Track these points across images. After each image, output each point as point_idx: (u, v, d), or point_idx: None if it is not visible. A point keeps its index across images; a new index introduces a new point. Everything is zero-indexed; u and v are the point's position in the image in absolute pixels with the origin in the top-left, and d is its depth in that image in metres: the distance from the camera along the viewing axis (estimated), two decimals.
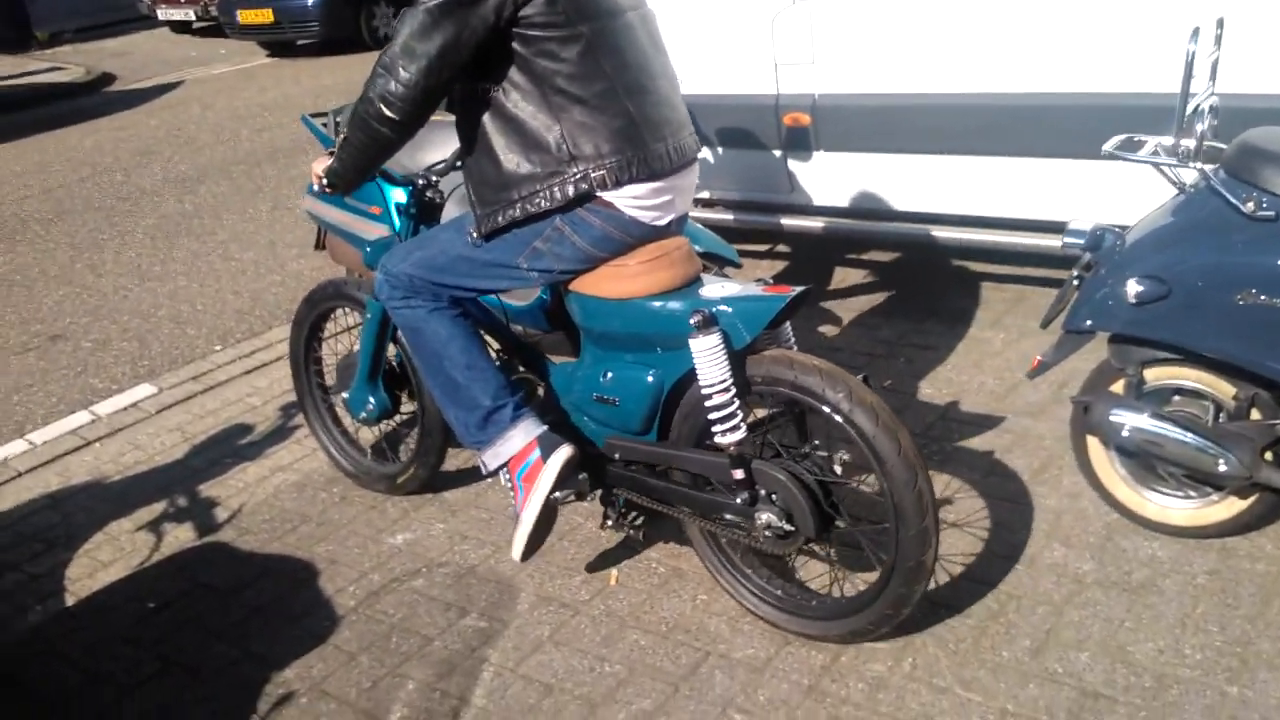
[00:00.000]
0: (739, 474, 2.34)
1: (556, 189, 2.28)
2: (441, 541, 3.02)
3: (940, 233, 3.82)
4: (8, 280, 5.74)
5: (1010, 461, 3.02)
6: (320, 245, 4.12)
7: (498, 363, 2.81)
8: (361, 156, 2.40)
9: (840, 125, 3.90)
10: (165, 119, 9.49)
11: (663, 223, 2.40)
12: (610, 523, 2.70)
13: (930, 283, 4.28)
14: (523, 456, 2.55)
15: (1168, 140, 2.47)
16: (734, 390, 2.29)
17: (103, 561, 3.12)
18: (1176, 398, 2.56)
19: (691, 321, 2.25)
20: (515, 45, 2.22)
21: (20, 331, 5.02)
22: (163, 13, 14.16)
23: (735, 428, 2.30)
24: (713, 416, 2.31)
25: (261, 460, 3.59)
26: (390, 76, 2.21)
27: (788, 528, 2.33)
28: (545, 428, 2.58)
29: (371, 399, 3.09)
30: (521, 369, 2.80)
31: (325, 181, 2.55)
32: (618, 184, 2.28)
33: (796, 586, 2.59)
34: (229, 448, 3.71)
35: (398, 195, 3.36)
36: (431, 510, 3.17)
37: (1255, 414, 2.44)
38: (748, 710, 2.29)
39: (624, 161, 2.27)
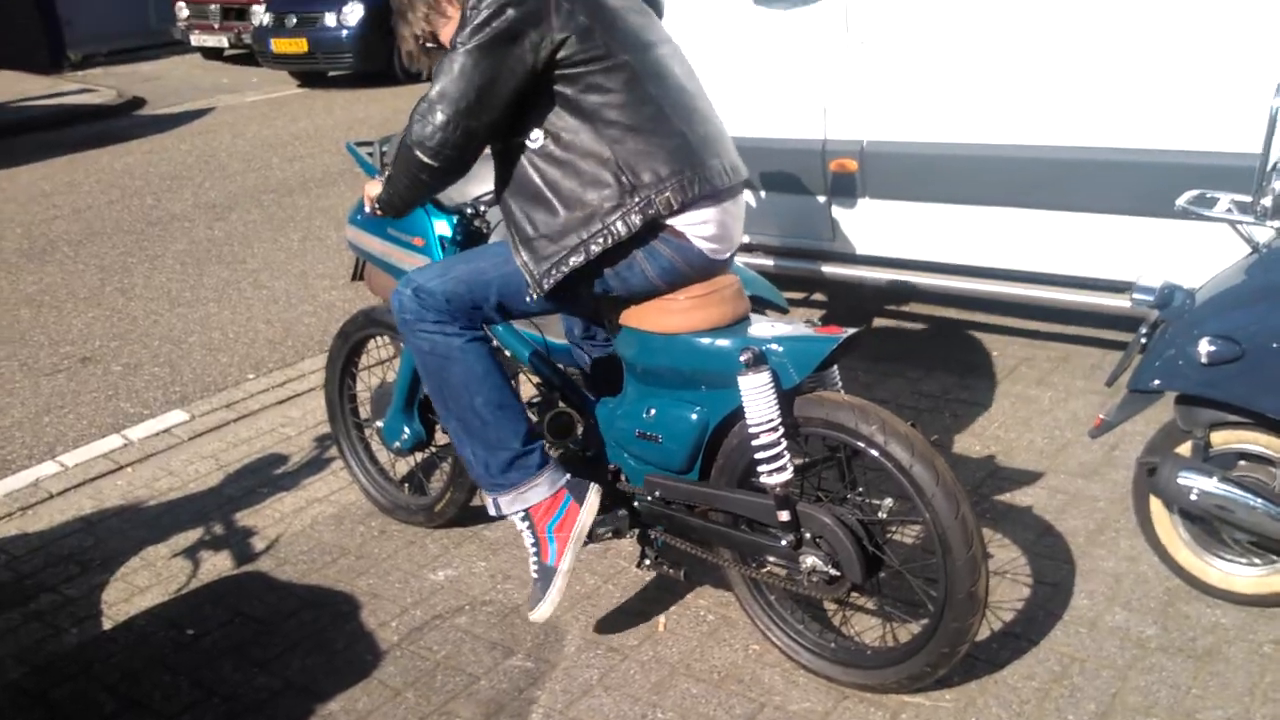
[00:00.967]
0: (784, 515, 2.30)
1: (620, 222, 2.24)
2: (484, 579, 2.98)
3: (988, 286, 3.80)
4: (37, 301, 5.74)
5: (1065, 522, 2.98)
6: (358, 276, 4.11)
7: (539, 397, 2.79)
8: (407, 194, 2.42)
9: (888, 173, 3.89)
10: (196, 144, 9.54)
11: (723, 257, 2.39)
12: (648, 562, 2.67)
13: (974, 337, 4.25)
14: (552, 507, 2.50)
15: (1243, 198, 2.45)
16: (781, 430, 2.27)
17: (139, 586, 3.08)
18: (1242, 462, 2.53)
19: (741, 359, 2.23)
20: (559, 87, 2.23)
21: (50, 353, 5.01)
22: (196, 39, 14.30)
23: (782, 468, 2.27)
24: (759, 456, 2.28)
25: (297, 491, 3.55)
26: (427, 122, 2.23)
27: (834, 572, 2.29)
28: (569, 475, 2.53)
29: (407, 428, 3.07)
30: (561, 404, 2.77)
31: (378, 208, 2.53)
32: (683, 206, 2.26)
33: (846, 637, 2.55)
34: (264, 477, 3.67)
35: (441, 227, 3.36)
36: (472, 548, 3.13)
37: None
38: None
39: (684, 181, 2.25)
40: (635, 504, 2.61)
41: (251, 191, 7.76)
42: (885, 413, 2.23)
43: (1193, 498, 2.46)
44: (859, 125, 3.88)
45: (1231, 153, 3.09)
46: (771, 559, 2.40)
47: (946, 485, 2.16)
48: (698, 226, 2.30)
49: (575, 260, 2.28)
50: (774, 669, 2.52)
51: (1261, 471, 2.50)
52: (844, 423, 2.23)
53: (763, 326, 2.36)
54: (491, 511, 2.55)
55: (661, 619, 2.74)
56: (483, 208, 2.89)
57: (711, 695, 2.46)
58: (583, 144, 2.24)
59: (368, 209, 2.61)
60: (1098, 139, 3.37)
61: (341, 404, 3.37)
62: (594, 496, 2.50)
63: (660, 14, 3.36)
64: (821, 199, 4.08)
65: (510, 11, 2.15)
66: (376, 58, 12.01)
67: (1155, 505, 2.64)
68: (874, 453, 2.21)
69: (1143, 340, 2.56)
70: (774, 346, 2.27)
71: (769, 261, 4.30)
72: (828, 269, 4.17)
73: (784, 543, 2.33)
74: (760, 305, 3.23)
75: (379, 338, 3.27)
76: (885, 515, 2.30)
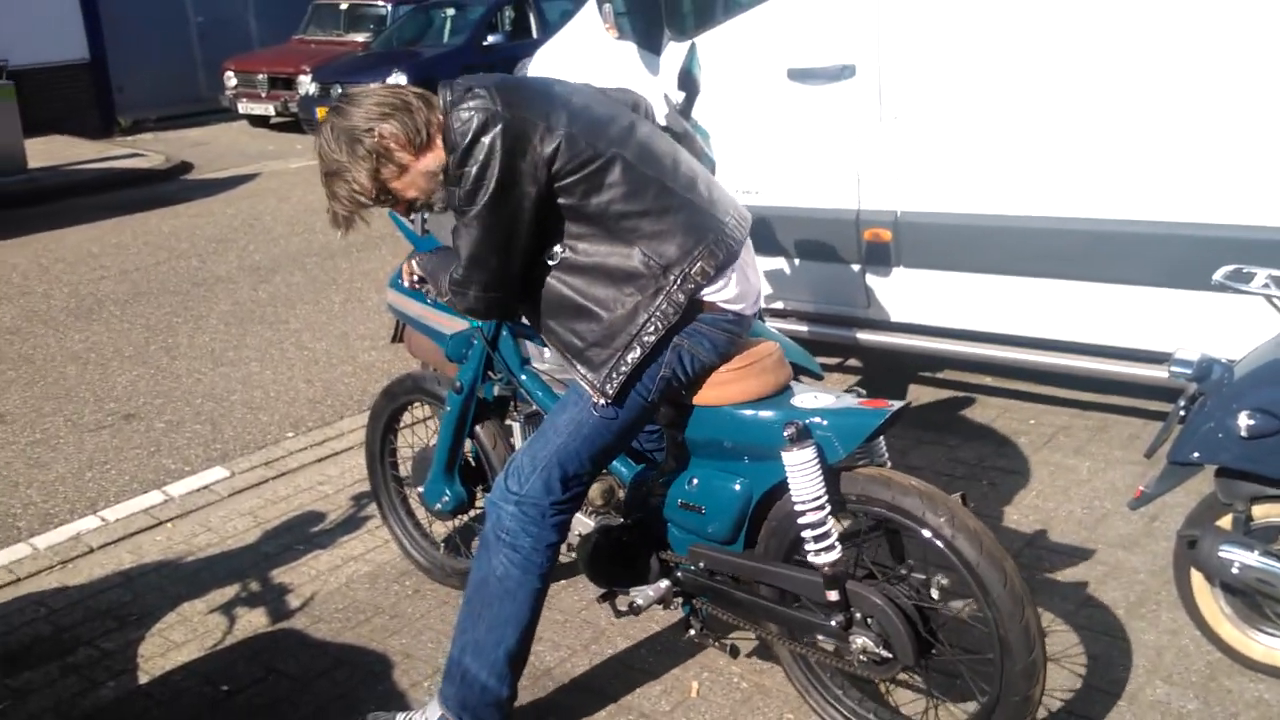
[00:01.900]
0: (833, 595, 2.25)
1: (665, 304, 2.24)
2: None
3: (1024, 356, 3.80)
4: (83, 358, 5.85)
5: (1105, 594, 2.95)
6: (397, 338, 4.18)
7: None
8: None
9: (922, 242, 3.92)
10: (241, 208, 9.75)
11: (750, 311, 2.41)
12: (693, 633, 2.63)
13: (1009, 406, 4.24)
14: None
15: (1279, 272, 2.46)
16: (829, 508, 2.22)
17: (175, 642, 3.10)
18: None
19: (785, 434, 2.19)
20: (562, 200, 2.23)
21: (95, 409, 5.09)
22: (243, 107, 14.64)
23: (830, 547, 2.22)
24: (806, 534, 2.23)
25: (334, 549, 3.58)
26: (467, 295, 2.29)
27: (885, 654, 2.23)
28: None
29: (448, 491, 3.06)
30: (604, 471, 2.71)
31: (416, 281, 2.58)
32: (718, 270, 2.27)
33: (895, 714, 2.49)
34: (301, 534, 3.70)
35: None
36: None
37: None
38: None
39: (710, 246, 2.27)
40: (679, 573, 2.55)
41: (295, 255, 7.91)
42: (954, 502, 2.18)
43: (1234, 571, 2.43)
44: (893, 196, 3.93)
45: (1270, 227, 3.11)
46: (820, 637, 2.34)
47: (1013, 588, 2.10)
48: (724, 291, 2.32)
49: (631, 357, 2.27)
50: None
51: None
52: (910, 510, 2.18)
53: (806, 397, 2.31)
54: (429, 717, 2.48)
55: (694, 684, 2.72)
56: None
57: None
58: (602, 245, 2.25)
59: (405, 283, 2.62)
60: (1134, 211, 3.39)
61: (382, 459, 3.39)
62: None
63: (697, 92, 3.45)
64: (856, 267, 4.12)
65: (499, 156, 2.15)
66: None
67: (1196, 578, 2.61)
68: (939, 544, 2.15)
69: (1181, 412, 2.55)
70: (818, 420, 2.22)
71: (804, 327, 4.33)
72: (863, 336, 4.19)
73: (834, 622, 2.27)
74: (795, 371, 3.26)
75: (422, 404, 3.28)
76: (938, 595, 2.23)
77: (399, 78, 12.20)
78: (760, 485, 2.34)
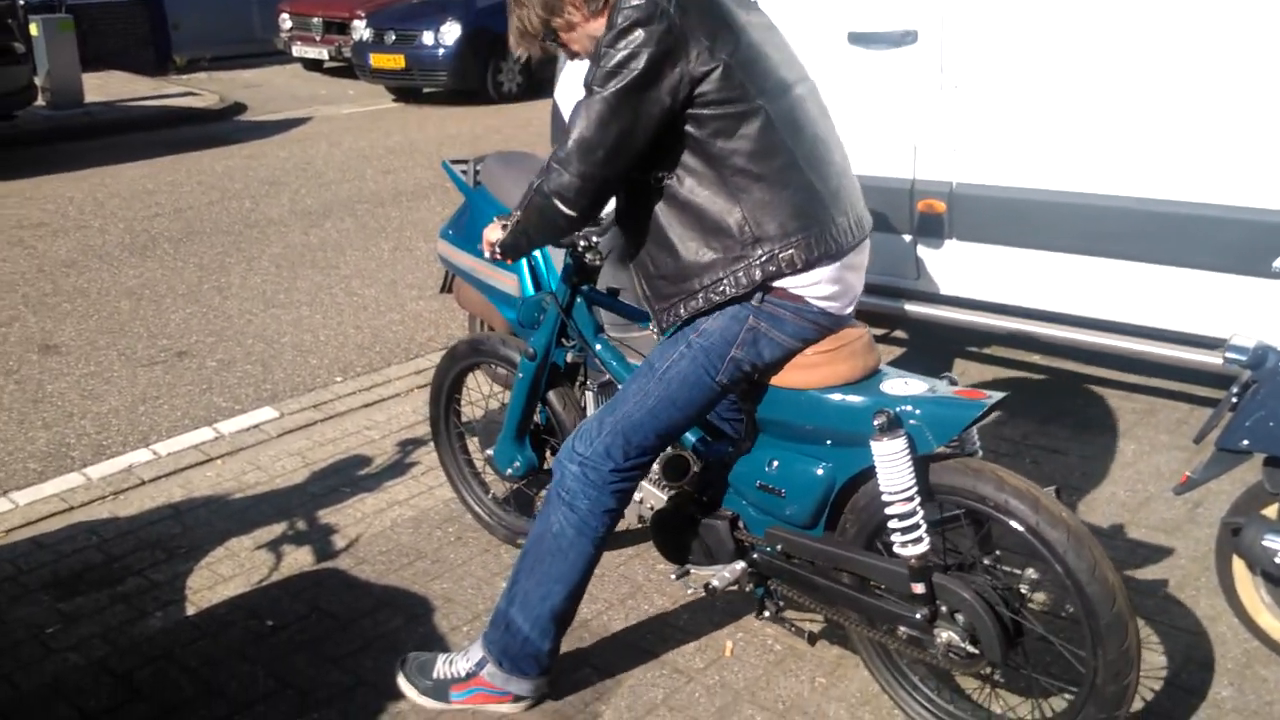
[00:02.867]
0: (919, 588, 2.18)
1: (742, 274, 2.18)
2: None
3: (1073, 335, 3.77)
4: (137, 293, 5.94)
5: (1144, 578, 2.94)
6: (446, 288, 4.22)
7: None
8: (538, 239, 2.40)
9: (977, 216, 3.88)
10: (294, 152, 9.82)
11: (847, 311, 2.32)
12: (767, 614, 2.59)
13: (1055, 384, 4.22)
14: (507, 701, 2.51)
15: None
16: (918, 499, 2.15)
17: (223, 576, 3.18)
18: None
19: (875, 423, 2.12)
20: (689, 128, 2.15)
21: (148, 345, 5.18)
22: (297, 50, 14.70)
23: (918, 539, 2.16)
24: (893, 525, 2.17)
25: (379, 493, 3.64)
26: (566, 171, 2.18)
27: (971, 650, 2.18)
28: (544, 692, 2.54)
29: (519, 457, 3.04)
30: (676, 445, 2.64)
31: (499, 252, 2.51)
32: (806, 265, 2.17)
33: (984, 709, 2.43)
34: (347, 477, 3.77)
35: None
36: None
37: None
38: None
39: (811, 239, 2.17)
40: (755, 555, 2.51)
41: (346, 201, 7.97)
42: (1047, 497, 2.10)
43: (1277, 560, 2.42)
44: (949, 167, 3.89)
45: None
46: (903, 629, 2.28)
47: (1103, 577, 2.05)
48: (817, 286, 2.22)
49: (692, 306, 2.25)
50: (840, 703, 2.53)
51: None
52: (1004, 504, 2.11)
53: (897, 384, 2.24)
54: (466, 659, 2.55)
55: (729, 644, 2.76)
56: (595, 239, 2.81)
57: None
58: (707, 189, 2.18)
59: (487, 254, 2.57)
60: (1195, 194, 3.34)
61: (447, 415, 3.36)
62: (520, 707, 2.52)
63: None
64: (907, 238, 4.09)
65: (649, 50, 2.07)
66: (470, 77, 12.26)
67: (1238, 566, 2.61)
68: (1034, 540, 2.09)
69: (1234, 399, 2.53)
70: (910, 409, 2.16)
71: None
72: (910, 307, 4.16)
73: (918, 615, 2.21)
74: None
75: (489, 366, 3.26)
76: (1027, 589, 2.19)
77: (453, 26, 12.18)
78: (845, 471, 2.29)
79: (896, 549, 2.19)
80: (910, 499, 2.15)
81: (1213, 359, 3.29)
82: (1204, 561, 2.95)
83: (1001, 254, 3.87)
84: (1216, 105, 3.27)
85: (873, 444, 2.14)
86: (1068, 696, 2.20)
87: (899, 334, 4.81)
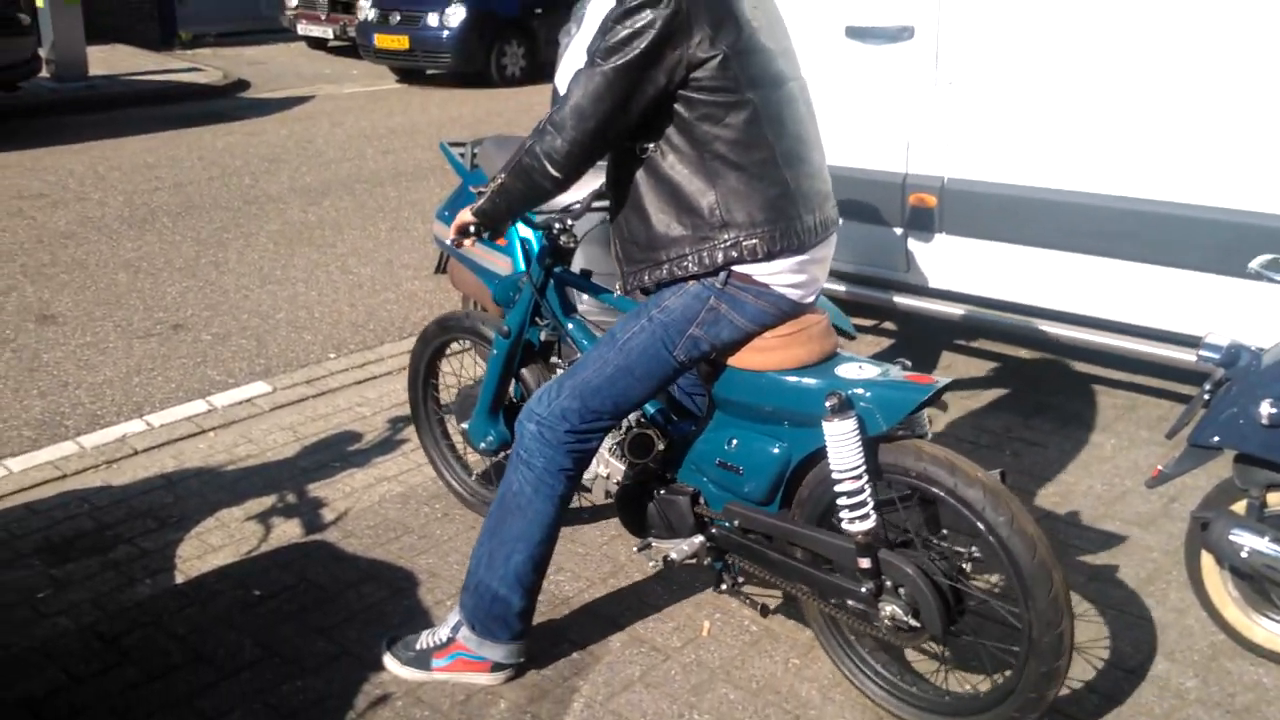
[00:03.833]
0: (865, 563, 2.29)
1: (705, 254, 2.28)
2: None
3: (1058, 330, 3.82)
4: (134, 266, 5.98)
5: (1116, 570, 3.00)
6: (440, 269, 4.26)
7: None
8: (517, 203, 2.45)
9: (967, 211, 3.93)
10: (295, 130, 9.84)
11: (809, 299, 2.41)
12: (725, 587, 2.69)
13: (1039, 379, 4.27)
14: (484, 668, 2.57)
15: None
16: (866, 478, 2.25)
17: (212, 545, 3.23)
18: None
19: (827, 404, 2.22)
20: (678, 107, 2.23)
21: (144, 317, 5.23)
22: (302, 28, 14.71)
23: (865, 516, 2.26)
24: (842, 503, 2.27)
25: (368, 468, 3.69)
26: (559, 135, 2.25)
27: (913, 623, 2.27)
28: (521, 659, 2.59)
29: (492, 432, 3.10)
30: (642, 422, 2.75)
31: (474, 227, 2.55)
32: (768, 255, 2.27)
33: (926, 680, 2.54)
34: (337, 452, 3.82)
35: (524, 232, 3.46)
36: None
37: None
38: None
39: (776, 232, 2.27)
40: (714, 529, 2.60)
41: (345, 180, 8.00)
42: (990, 479, 2.19)
43: (1243, 555, 2.47)
44: (941, 161, 3.93)
45: None
46: (850, 602, 2.38)
47: (1043, 561, 2.13)
48: (780, 275, 2.32)
49: (656, 275, 2.35)
50: (812, 684, 2.58)
51: None
52: (944, 482, 2.20)
53: (850, 368, 2.34)
54: (446, 626, 2.62)
55: (706, 624, 2.81)
56: (570, 221, 2.89)
57: (749, 703, 2.53)
58: (687, 168, 2.26)
59: (451, 238, 2.62)
60: (1178, 194, 3.39)
61: (425, 390, 3.44)
62: (499, 677, 2.58)
63: None
64: (898, 231, 4.13)
65: (653, 32, 2.14)
66: (474, 59, 12.29)
67: (1206, 560, 2.66)
68: (972, 518, 2.18)
69: (1206, 396, 2.58)
70: (861, 391, 2.25)
71: (841, 287, 4.35)
72: (900, 300, 4.21)
73: (864, 589, 2.31)
74: None
75: (460, 341, 3.34)
76: (969, 566, 2.27)
77: (457, 9, 12.19)
78: (799, 450, 2.39)
79: (845, 525, 2.28)
80: (859, 477, 2.25)
81: (1188, 356, 3.34)
82: (1176, 555, 3.00)
83: (991, 249, 3.92)
84: (1201, 108, 3.31)
85: (825, 424, 2.23)
86: (1011, 660, 2.28)
87: (888, 325, 4.86)
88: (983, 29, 3.75)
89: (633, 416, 2.75)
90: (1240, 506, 2.56)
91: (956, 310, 4.08)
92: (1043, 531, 2.18)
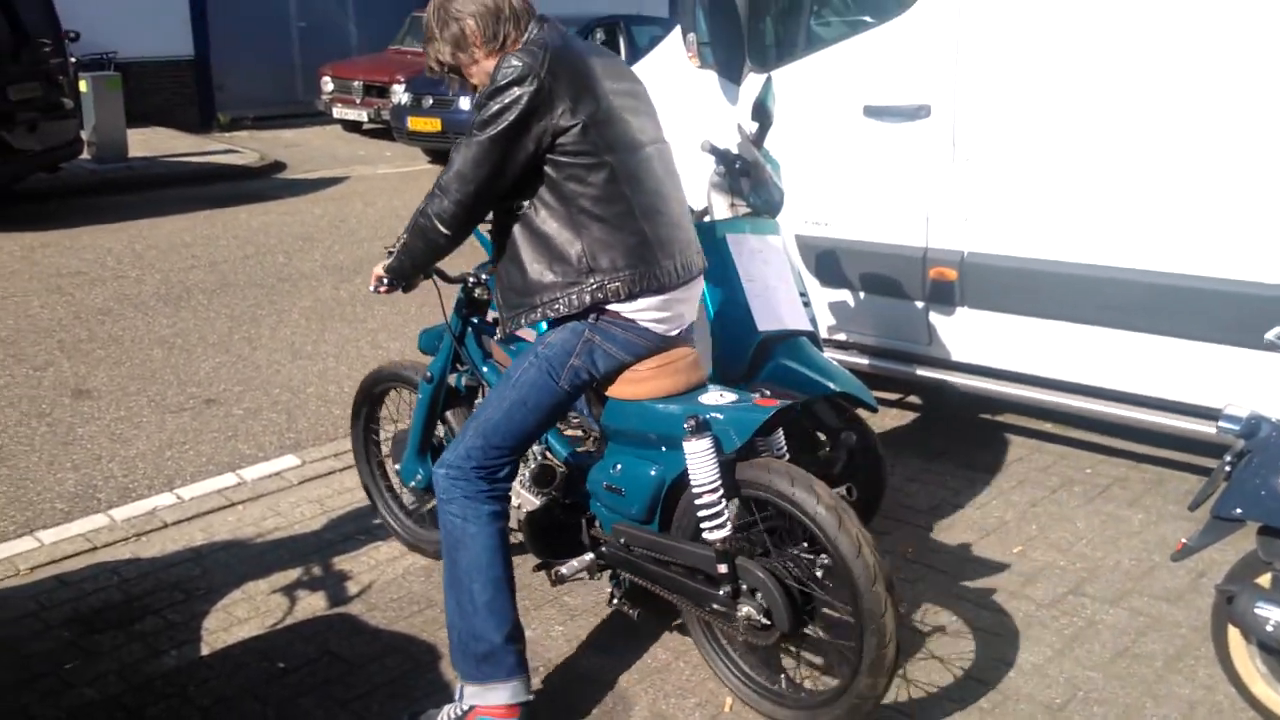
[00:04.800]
0: (723, 568, 2.54)
1: (574, 297, 2.55)
2: (560, 644, 3.08)
3: (1082, 403, 3.83)
4: (169, 343, 6.09)
5: (1144, 645, 2.96)
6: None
7: (544, 447, 3.05)
8: (419, 258, 2.76)
9: (988, 284, 3.97)
10: (329, 209, 10.04)
11: (673, 333, 2.69)
12: (615, 600, 2.92)
13: (1066, 452, 4.25)
14: (501, 715, 2.60)
15: None
16: (721, 490, 2.51)
17: (238, 618, 3.25)
18: None
19: (685, 426, 2.49)
20: (548, 169, 2.53)
21: (177, 392, 5.31)
22: (338, 112, 15.05)
23: (720, 525, 2.52)
24: (701, 514, 2.52)
25: (392, 541, 3.71)
26: (446, 198, 2.55)
27: (765, 622, 2.52)
28: (531, 696, 2.64)
29: (420, 470, 3.35)
30: (545, 456, 3.05)
31: (386, 279, 2.87)
32: (630, 296, 2.56)
33: (788, 679, 2.76)
34: (363, 525, 3.85)
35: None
36: (551, 611, 3.24)
37: None
38: None
39: (636, 275, 2.55)
40: (604, 548, 2.87)
41: (377, 257, 8.11)
42: (817, 482, 2.45)
43: (1269, 629, 2.45)
44: (960, 236, 3.98)
45: None
46: (714, 605, 2.61)
47: (868, 564, 2.36)
48: (645, 312, 2.61)
49: (531, 318, 2.63)
50: None
51: None
52: (778, 488, 2.48)
53: (712, 396, 2.63)
54: (455, 696, 2.67)
55: (728, 700, 2.80)
56: (484, 276, 3.13)
57: None
58: (556, 222, 2.55)
59: (371, 287, 2.93)
60: (1195, 267, 3.42)
61: (366, 440, 3.72)
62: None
63: (770, 124, 3.55)
64: (920, 304, 4.17)
65: (520, 106, 2.45)
66: None
67: (1233, 634, 2.63)
68: (805, 519, 2.44)
69: (1227, 468, 2.58)
70: (716, 415, 2.54)
71: (864, 360, 4.39)
72: (923, 372, 4.24)
73: (722, 593, 2.56)
74: (849, 403, 3.35)
75: (398, 390, 3.59)
76: (821, 573, 2.50)
77: None
78: (672, 471, 2.64)
79: (705, 535, 2.55)
80: (715, 490, 2.51)
81: (1208, 428, 3.33)
82: (1204, 630, 2.96)
83: (1012, 322, 3.95)
84: (1216, 182, 3.35)
85: (684, 444, 2.51)
86: (850, 656, 2.49)
87: (912, 399, 4.86)
88: (999, 106, 3.82)
89: (538, 449, 3.04)
90: (1266, 579, 2.54)
91: (980, 384, 4.09)
92: (870, 535, 2.42)
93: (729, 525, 2.52)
